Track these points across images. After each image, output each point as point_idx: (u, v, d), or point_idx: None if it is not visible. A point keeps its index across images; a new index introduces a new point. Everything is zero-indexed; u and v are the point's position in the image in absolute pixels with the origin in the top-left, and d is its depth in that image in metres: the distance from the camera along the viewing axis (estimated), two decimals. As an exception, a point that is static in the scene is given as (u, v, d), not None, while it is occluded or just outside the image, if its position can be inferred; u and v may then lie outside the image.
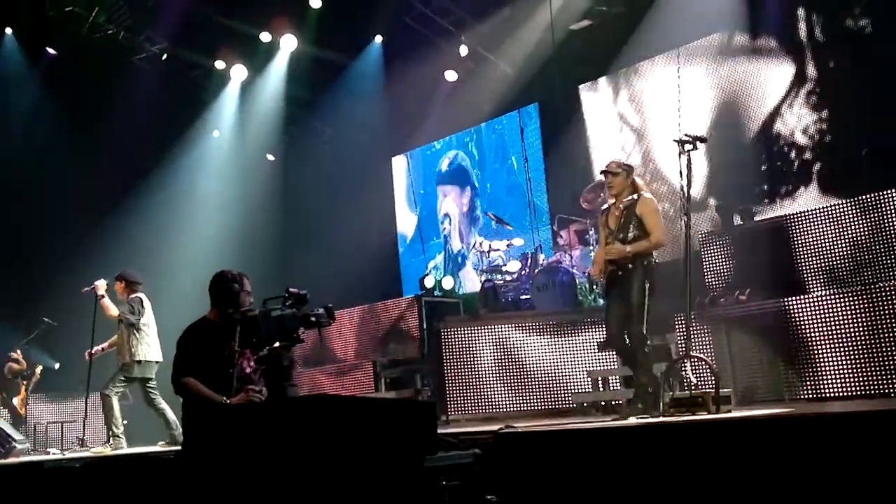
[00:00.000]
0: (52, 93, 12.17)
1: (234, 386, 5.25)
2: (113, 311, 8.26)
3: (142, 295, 8.41)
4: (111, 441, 8.09)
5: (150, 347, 8.21)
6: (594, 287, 8.66)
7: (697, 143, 5.82)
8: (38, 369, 10.68)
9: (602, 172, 6.30)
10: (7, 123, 11.71)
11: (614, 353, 6.29)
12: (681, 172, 5.84)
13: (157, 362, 8.20)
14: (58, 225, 12.07)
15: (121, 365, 8.28)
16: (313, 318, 5.05)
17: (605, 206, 6.45)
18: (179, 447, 7.34)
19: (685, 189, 5.81)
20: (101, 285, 8.36)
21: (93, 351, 8.61)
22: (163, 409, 8.04)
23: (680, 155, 5.84)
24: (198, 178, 13.66)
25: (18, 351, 10.90)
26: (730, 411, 5.25)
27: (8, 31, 11.99)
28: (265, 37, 12.67)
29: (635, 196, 6.11)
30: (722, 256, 7.80)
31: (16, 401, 10.72)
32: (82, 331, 10.85)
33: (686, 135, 5.85)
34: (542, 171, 12.22)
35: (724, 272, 7.73)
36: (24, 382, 10.79)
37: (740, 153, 10.06)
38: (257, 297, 5.79)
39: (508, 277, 9.77)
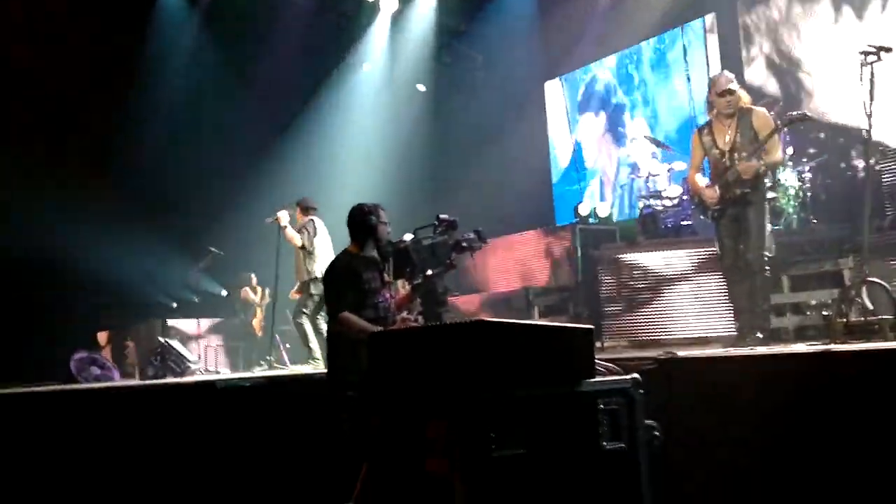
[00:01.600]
0: (210, 32, 12.58)
1: (389, 316, 5.32)
2: (297, 240, 8.66)
3: (314, 217, 8.73)
4: (310, 361, 8.45)
5: (325, 265, 8.45)
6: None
7: (882, 53, 5.36)
8: (267, 292, 11.28)
9: (728, 92, 5.95)
10: (169, 65, 12.20)
11: (731, 281, 6.06)
12: (861, 86, 5.41)
13: None
14: (219, 161, 12.59)
15: (299, 284, 8.65)
16: (465, 244, 5.06)
17: (702, 124, 6.31)
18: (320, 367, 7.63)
19: (867, 104, 5.39)
20: (282, 216, 8.75)
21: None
22: (305, 330, 8.34)
23: (862, 67, 5.40)
24: (350, 110, 13.88)
25: (253, 276, 11.58)
26: (911, 339, 4.89)
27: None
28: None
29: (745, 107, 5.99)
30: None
31: (255, 322, 11.50)
32: (246, 259, 11.44)
33: (869, 45, 5.41)
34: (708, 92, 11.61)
35: (907, 194, 7.16)
36: (259, 305, 11.52)
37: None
38: (410, 225, 5.83)
39: (669, 203, 9.39)
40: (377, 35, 13.89)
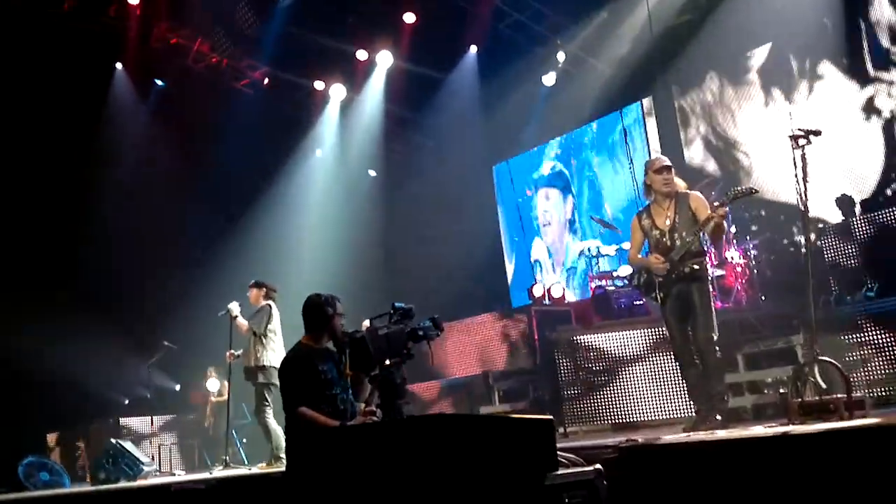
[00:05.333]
0: (162, 122, 12.61)
1: (347, 408, 5.26)
2: (244, 327, 8.49)
3: (271, 303, 8.60)
4: (273, 462, 8.11)
5: (276, 354, 8.24)
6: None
7: (811, 136, 5.54)
8: (225, 385, 11.05)
9: (665, 168, 6.15)
10: (121, 155, 12.16)
11: (684, 364, 6.07)
12: (795, 168, 5.57)
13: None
14: (174, 251, 12.48)
15: (245, 370, 8.44)
16: (421, 332, 5.02)
17: (641, 209, 6.44)
18: (281, 468, 7.46)
19: (801, 184, 5.55)
20: (233, 308, 8.63)
21: (233, 352, 8.82)
22: (270, 427, 8.13)
23: (793, 150, 5.58)
24: (303, 197, 13.94)
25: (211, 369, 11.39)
26: (864, 416, 4.96)
27: (118, 66, 12.46)
28: (361, 55, 12.84)
29: (682, 192, 6.14)
30: (844, 252, 7.43)
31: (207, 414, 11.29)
32: (200, 353, 11.23)
33: (799, 129, 5.58)
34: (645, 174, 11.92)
35: (848, 267, 7.36)
36: (213, 399, 11.33)
37: (860, 141, 9.58)
38: (364, 311, 5.82)
39: (620, 283, 9.54)
40: (328, 123, 14.08)
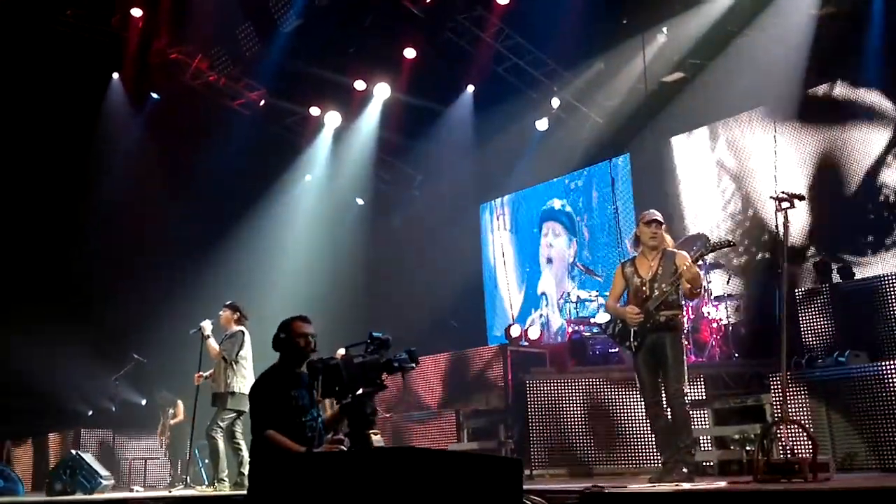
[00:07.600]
0: (154, 135, 12.63)
1: (316, 436, 5.20)
2: (214, 350, 8.35)
3: (244, 329, 8.50)
4: (216, 483, 7.98)
5: (246, 381, 8.13)
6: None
7: (795, 200, 5.63)
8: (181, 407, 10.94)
9: (654, 221, 6.20)
10: (110, 164, 12.15)
11: (653, 415, 6.10)
12: (776, 230, 5.65)
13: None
14: (153, 265, 12.42)
15: (213, 395, 8.29)
16: (396, 364, 4.98)
17: (626, 259, 6.49)
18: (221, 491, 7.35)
19: (782, 246, 5.63)
20: (206, 326, 8.51)
21: (202, 374, 8.66)
22: (240, 449, 8.02)
23: (777, 212, 5.66)
24: (289, 221, 13.95)
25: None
26: (828, 479, 5.00)
27: (115, 76, 12.50)
28: (359, 85, 12.94)
29: (669, 249, 6.18)
30: (820, 315, 7.51)
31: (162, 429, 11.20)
32: (169, 369, 11.13)
33: (783, 192, 5.67)
34: (633, 222, 12.04)
35: (822, 332, 7.44)
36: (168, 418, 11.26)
37: (842, 204, 9.72)
38: (340, 338, 5.77)
39: (597, 330, 9.58)
40: (320, 149, 14.13)
